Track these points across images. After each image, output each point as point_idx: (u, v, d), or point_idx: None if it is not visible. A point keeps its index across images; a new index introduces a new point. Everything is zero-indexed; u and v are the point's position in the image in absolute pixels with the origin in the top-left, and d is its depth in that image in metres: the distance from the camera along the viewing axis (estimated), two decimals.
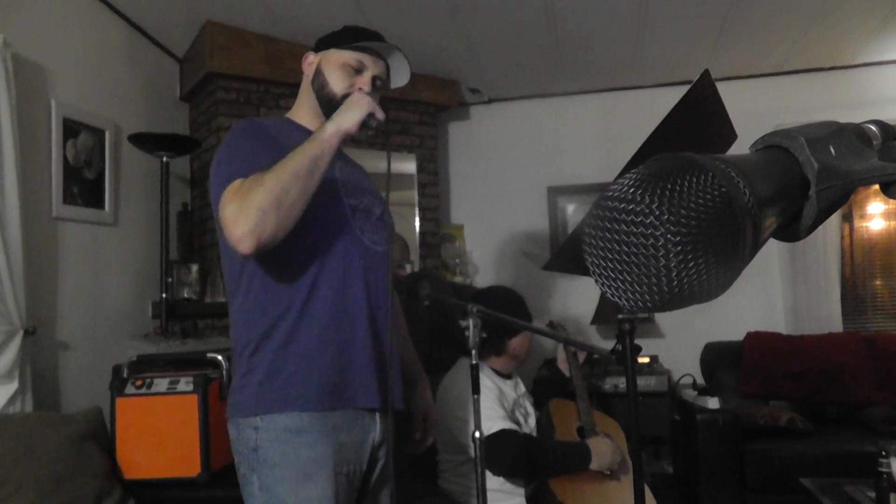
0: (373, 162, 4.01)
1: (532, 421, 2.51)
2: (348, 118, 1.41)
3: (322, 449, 1.42)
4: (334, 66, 1.56)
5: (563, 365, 2.72)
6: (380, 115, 1.46)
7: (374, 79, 1.59)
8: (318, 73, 1.57)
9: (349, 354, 1.47)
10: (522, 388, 2.58)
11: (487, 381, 2.37)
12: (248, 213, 1.27)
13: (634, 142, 1.51)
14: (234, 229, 1.28)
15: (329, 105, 1.54)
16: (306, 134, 1.47)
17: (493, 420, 2.24)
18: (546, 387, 2.92)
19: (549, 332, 2.61)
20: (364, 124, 1.43)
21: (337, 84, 1.55)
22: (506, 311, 2.28)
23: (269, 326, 1.44)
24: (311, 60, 1.60)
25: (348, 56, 1.56)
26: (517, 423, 2.38)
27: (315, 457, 1.41)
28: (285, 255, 1.41)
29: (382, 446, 1.58)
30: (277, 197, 1.29)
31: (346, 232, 1.52)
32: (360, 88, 1.54)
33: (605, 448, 2.29)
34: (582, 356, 2.70)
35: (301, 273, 1.45)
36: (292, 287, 1.45)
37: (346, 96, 1.51)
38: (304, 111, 1.61)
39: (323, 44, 1.61)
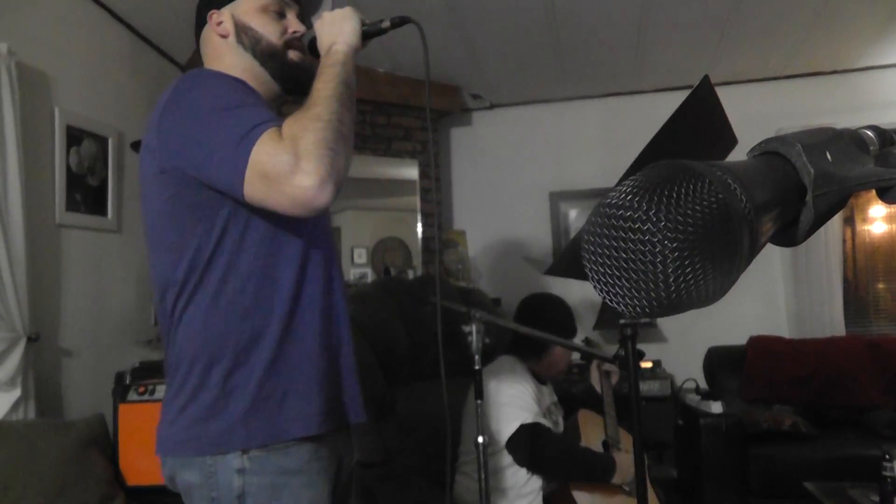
0: (375, 168, 4.04)
1: (560, 430, 2.53)
2: (348, 34, 1.24)
3: (321, 486, 1.21)
4: (254, 16, 1.31)
5: (595, 383, 2.75)
6: (366, 18, 1.29)
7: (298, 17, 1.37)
8: (244, 29, 1.30)
9: (340, 360, 1.28)
10: (555, 398, 2.60)
11: (529, 377, 2.40)
12: (316, 155, 1.04)
13: (636, 146, 1.52)
14: (304, 179, 1.03)
15: (274, 59, 1.30)
16: (259, 95, 1.28)
17: (528, 412, 2.26)
18: (563, 394, 2.93)
19: (587, 349, 2.62)
20: (366, 34, 1.28)
21: (272, 33, 1.30)
22: (551, 323, 2.37)
23: (251, 336, 1.16)
24: (220, 19, 1.31)
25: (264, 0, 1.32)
26: None
27: (314, 497, 1.20)
28: (268, 241, 1.19)
29: (352, 472, 1.39)
30: (338, 129, 1.09)
31: (322, 216, 1.29)
32: (294, 31, 1.32)
33: (628, 465, 2.31)
34: (615, 377, 2.72)
35: (287, 264, 1.20)
36: (278, 282, 1.19)
37: (288, 43, 1.31)
38: (235, 74, 1.29)
39: None
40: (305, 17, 1.39)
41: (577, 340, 2.89)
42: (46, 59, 2.73)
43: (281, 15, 1.33)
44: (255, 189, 1.06)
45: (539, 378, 2.50)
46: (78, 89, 2.92)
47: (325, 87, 1.15)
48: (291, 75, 1.31)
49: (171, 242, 1.18)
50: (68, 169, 2.82)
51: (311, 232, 1.24)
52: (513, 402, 2.27)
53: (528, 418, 2.24)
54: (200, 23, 1.35)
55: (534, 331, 2.14)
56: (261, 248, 1.18)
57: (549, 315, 2.47)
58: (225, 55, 1.32)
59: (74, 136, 2.87)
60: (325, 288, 1.25)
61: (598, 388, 2.71)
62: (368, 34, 1.28)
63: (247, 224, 1.17)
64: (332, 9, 1.32)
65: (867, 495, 2.36)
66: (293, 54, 1.31)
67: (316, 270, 1.24)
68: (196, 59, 1.40)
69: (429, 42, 1.33)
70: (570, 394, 2.78)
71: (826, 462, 3.24)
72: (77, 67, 2.93)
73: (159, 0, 3.11)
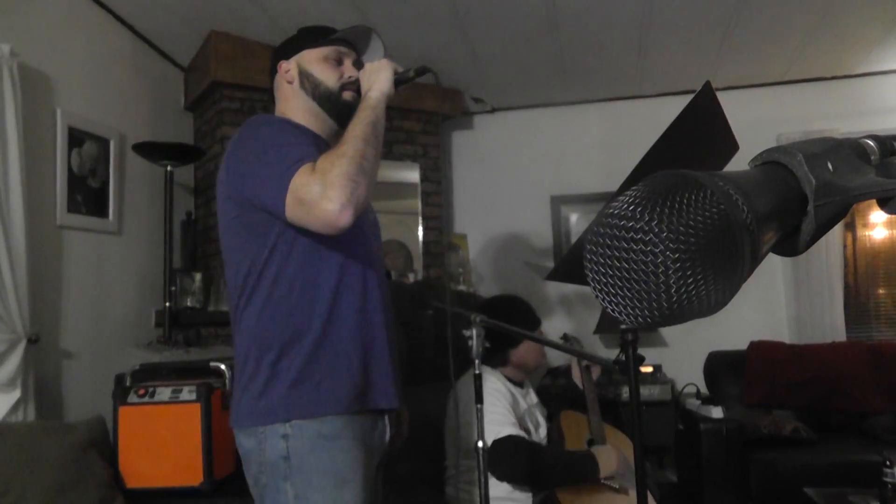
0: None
1: (543, 431, 2.50)
2: (383, 82, 1.51)
3: (356, 453, 1.43)
4: (316, 64, 1.60)
5: (577, 379, 2.72)
6: (399, 67, 1.55)
7: (354, 63, 1.66)
8: (306, 76, 1.60)
9: (372, 355, 1.50)
10: (534, 398, 2.57)
11: (501, 386, 2.36)
12: (339, 185, 1.28)
13: (637, 151, 1.52)
14: (329, 204, 1.28)
15: (330, 101, 1.58)
16: (313, 135, 1.53)
17: (502, 425, 2.23)
18: (551, 396, 2.92)
19: (557, 343, 2.61)
20: (397, 82, 1.54)
21: (329, 79, 1.59)
22: (509, 321, 2.23)
23: (295, 330, 1.42)
24: (287, 67, 1.62)
25: (327, 50, 1.60)
26: (527, 431, 2.37)
27: (350, 461, 1.42)
28: (310, 254, 1.43)
29: (384, 454, 1.61)
30: (360, 164, 1.33)
31: (359, 229, 1.51)
32: (349, 77, 1.59)
33: (610, 457, 2.28)
34: (596, 371, 2.70)
35: (327, 274, 1.45)
36: (319, 289, 1.44)
37: (343, 87, 1.58)
38: (298, 114, 1.60)
39: (291, 49, 1.64)
40: (359, 59, 1.67)
41: (556, 338, 2.88)
42: (48, 61, 2.73)
43: (339, 62, 1.61)
44: (293, 212, 1.32)
45: (514, 381, 2.47)
46: (80, 91, 2.92)
47: (355, 128, 1.41)
48: (345, 114, 1.54)
49: (235, 254, 1.48)
50: (69, 170, 2.82)
51: (350, 247, 1.47)
52: (483, 417, 2.23)
53: (500, 432, 2.21)
54: (273, 71, 1.65)
55: (508, 326, 2.09)
56: (304, 260, 1.43)
57: (502, 313, 2.34)
58: (291, 98, 1.62)
59: (76, 138, 2.87)
60: (360, 294, 1.49)
61: (579, 384, 2.70)
62: (398, 82, 1.55)
63: (293, 240, 1.42)
64: (386, 54, 1.64)
65: (868, 501, 2.36)
66: (347, 94, 1.58)
67: (353, 279, 1.48)
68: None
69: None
70: (557, 387, 2.75)
71: (826, 467, 3.24)
72: (79, 69, 2.94)
73: (161, 2, 3.12)
